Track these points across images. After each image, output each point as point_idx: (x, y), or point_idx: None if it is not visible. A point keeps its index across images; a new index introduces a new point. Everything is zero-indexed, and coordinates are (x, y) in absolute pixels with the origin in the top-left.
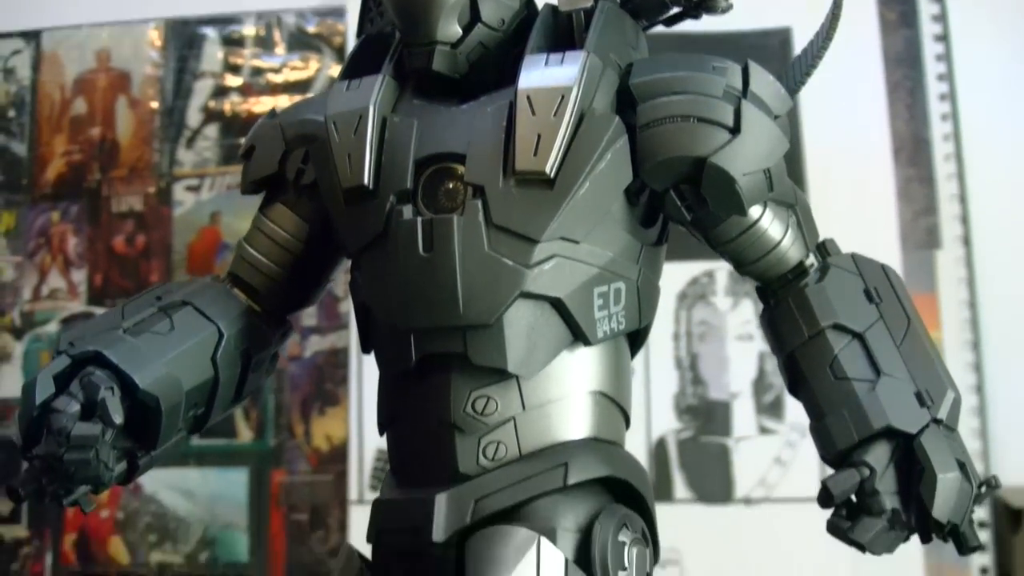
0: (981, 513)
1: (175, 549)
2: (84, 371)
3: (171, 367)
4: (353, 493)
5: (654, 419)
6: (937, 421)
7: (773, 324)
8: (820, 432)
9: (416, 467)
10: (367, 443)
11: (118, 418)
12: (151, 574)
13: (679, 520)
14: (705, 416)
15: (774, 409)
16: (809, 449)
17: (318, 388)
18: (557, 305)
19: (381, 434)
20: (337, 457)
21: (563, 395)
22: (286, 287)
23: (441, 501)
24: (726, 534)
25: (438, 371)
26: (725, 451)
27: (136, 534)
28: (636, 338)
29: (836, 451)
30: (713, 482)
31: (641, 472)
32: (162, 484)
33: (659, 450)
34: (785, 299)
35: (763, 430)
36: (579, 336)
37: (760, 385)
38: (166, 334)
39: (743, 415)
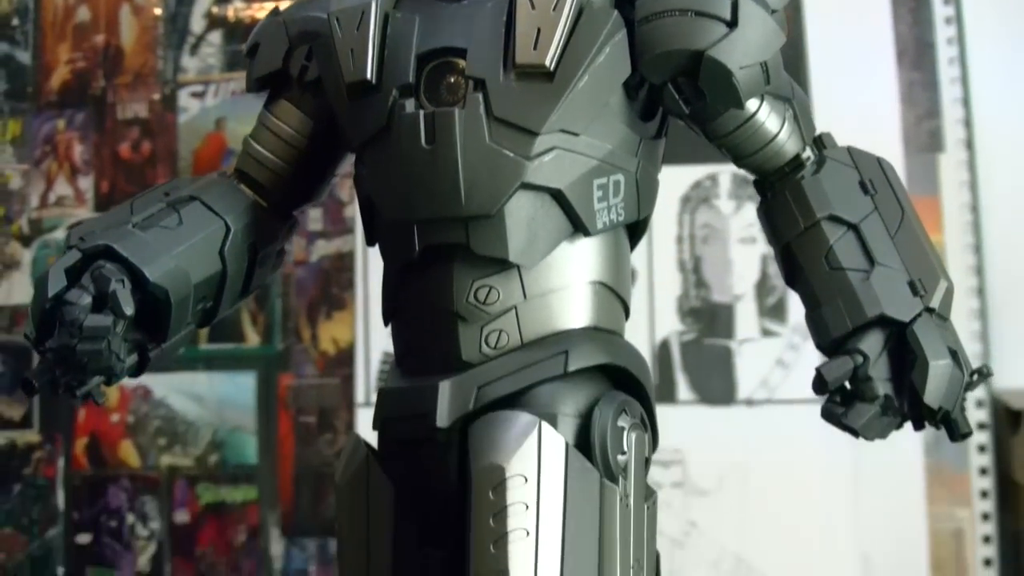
0: (981, 415)
1: (185, 452)
2: (95, 264)
3: (180, 260)
4: (360, 396)
5: (657, 321)
6: (930, 310)
7: (770, 216)
8: (815, 321)
9: (420, 356)
10: (373, 346)
11: (129, 309)
12: (161, 477)
13: (682, 421)
14: (708, 318)
15: (777, 312)
16: (811, 352)
17: (324, 292)
18: (557, 196)
19: (386, 325)
20: (344, 360)
21: (563, 285)
22: (292, 182)
23: (444, 388)
24: (728, 435)
25: (441, 262)
26: (728, 353)
27: (146, 438)
28: (635, 230)
29: (831, 339)
30: (716, 384)
31: (640, 360)
32: (171, 388)
33: (662, 352)
34: (782, 191)
35: (766, 332)
36: (579, 227)
37: (763, 288)
38: (174, 228)
39: (746, 317)
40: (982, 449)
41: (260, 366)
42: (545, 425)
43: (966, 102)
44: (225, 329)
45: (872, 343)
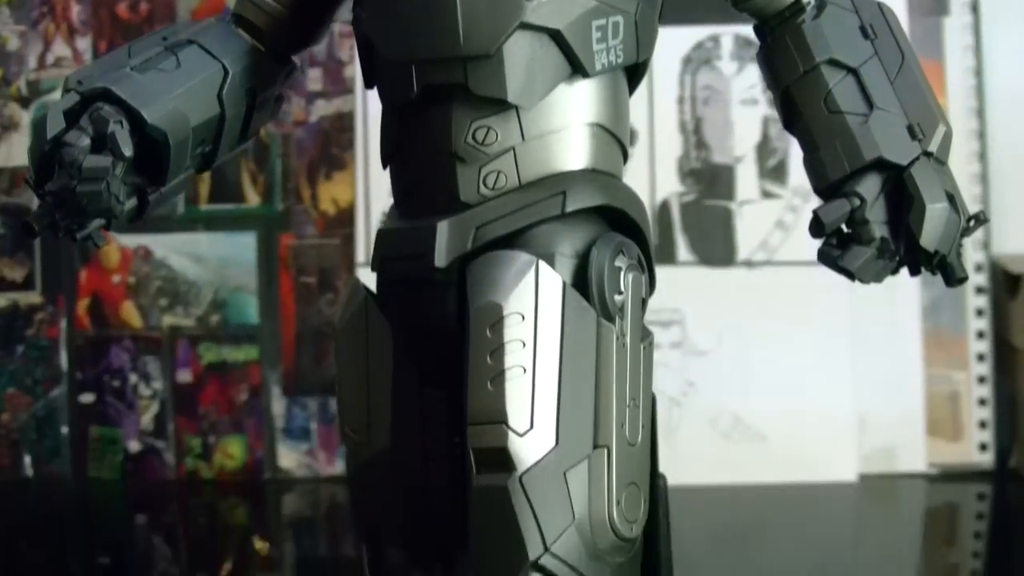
0: (980, 279)
1: (186, 312)
2: (94, 106)
3: (178, 103)
4: (360, 256)
5: (658, 182)
6: (928, 154)
7: (769, 60)
8: (813, 164)
9: (418, 197)
10: (373, 207)
11: (127, 150)
12: (163, 337)
13: (681, 282)
14: (708, 180)
15: (777, 173)
16: (811, 213)
17: (324, 152)
18: (556, 37)
19: (385, 167)
20: (344, 221)
21: (562, 126)
22: (289, 26)
23: (443, 228)
24: (727, 296)
25: (439, 102)
26: (728, 214)
27: (148, 298)
28: (634, 74)
29: (828, 183)
30: (715, 245)
31: (638, 202)
32: (172, 249)
33: (662, 213)
34: (782, 36)
35: (766, 194)
36: (577, 68)
37: (764, 149)
38: (172, 71)
39: (746, 179)
40: (980, 313)
41: (260, 226)
42: (542, 264)
43: None
44: (225, 189)
45: (869, 186)
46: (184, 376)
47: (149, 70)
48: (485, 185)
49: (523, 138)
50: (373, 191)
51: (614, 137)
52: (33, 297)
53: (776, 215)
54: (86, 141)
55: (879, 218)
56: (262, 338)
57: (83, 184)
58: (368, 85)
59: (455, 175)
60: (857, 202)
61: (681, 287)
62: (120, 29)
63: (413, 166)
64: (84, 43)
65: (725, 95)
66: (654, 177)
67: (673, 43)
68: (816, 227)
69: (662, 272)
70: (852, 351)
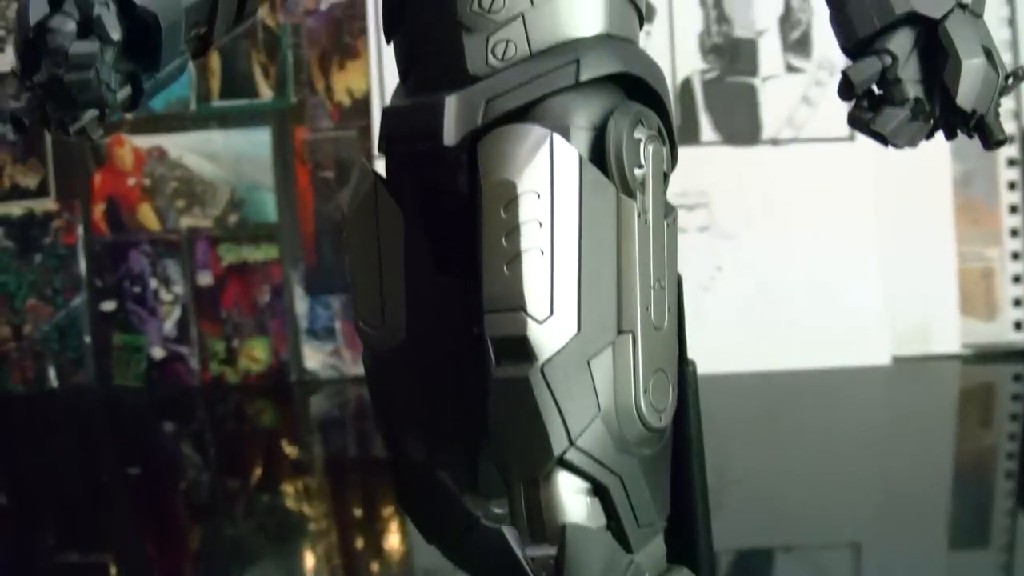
0: (1012, 151)
1: (204, 213)
2: None
3: None
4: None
5: (678, 60)
6: (963, 6)
7: None
8: (841, 20)
9: (423, 71)
10: (389, 96)
11: (115, 34)
12: (182, 239)
13: (706, 162)
14: (730, 55)
15: (801, 46)
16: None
17: (336, 41)
18: None
19: (388, 42)
20: (360, 111)
21: None
22: None
23: (451, 103)
24: (754, 175)
25: None
26: (752, 91)
27: (164, 200)
28: None
29: (857, 39)
30: (740, 123)
31: (656, 69)
32: (186, 148)
33: (684, 92)
34: None
35: (790, 68)
36: None
37: (787, 21)
38: None
39: (770, 53)
40: (1012, 186)
41: (274, 120)
42: (557, 137)
43: None
44: (237, 83)
45: (901, 42)
46: (205, 278)
47: None
48: (494, 55)
49: (532, 2)
50: (388, 79)
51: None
52: (48, 204)
53: (801, 90)
54: (71, 26)
55: (912, 76)
56: (282, 236)
57: (71, 72)
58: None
59: (461, 46)
60: (888, 60)
61: (706, 168)
62: None
63: (417, 38)
64: None
65: None
66: (674, 54)
67: None
68: (845, 88)
69: (686, 152)
70: (881, 228)
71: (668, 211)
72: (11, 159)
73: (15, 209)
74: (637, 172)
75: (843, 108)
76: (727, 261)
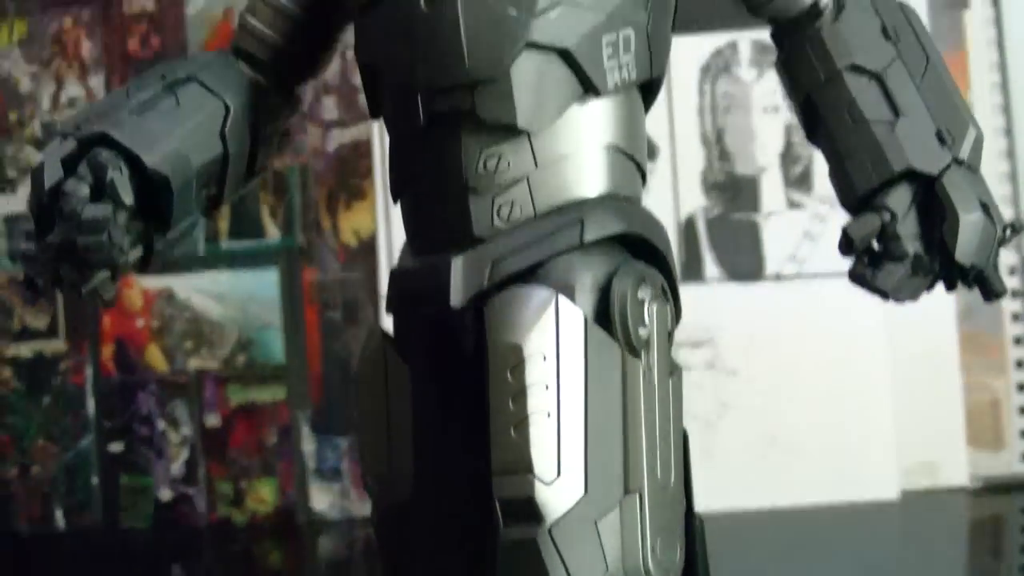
0: (1014, 282)
1: (212, 353)
2: (91, 152)
3: (179, 144)
4: (384, 287)
5: (682, 198)
6: (959, 161)
7: (788, 67)
8: (839, 178)
9: (430, 232)
10: (396, 236)
11: (128, 197)
12: (190, 380)
13: (710, 299)
14: (733, 192)
15: (802, 182)
16: (839, 222)
17: (343, 182)
18: (565, 55)
19: (395, 202)
20: (366, 252)
21: (576, 150)
22: (291, 57)
23: (457, 265)
24: (758, 311)
25: (448, 131)
26: (754, 227)
27: (173, 341)
28: (649, 91)
29: (856, 196)
30: (743, 259)
31: (659, 228)
32: (194, 289)
33: (688, 229)
34: (800, 41)
35: (792, 204)
36: (589, 87)
37: (788, 157)
38: (172, 111)
39: (771, 189)
40: (1016, 318)
41: (282, 261)
42: (562, 299)
43: None
44: (245, 224)
45: (899, 199)
46: (212, 419)
47: (148, 111)
48: (499, 217)
49: (536, 165)
50: (395, 220)
51: (631, 159)
52: (57, 345)
53: (803, 225)
54: (85, 190)
55: (911, 232)
56: (289, 376)
57: (84, 235)
58: (374, 115)
59: (468, 207)
60: (887, 216)
61: (710, 305)
62: (132, 65)
63: (424, 200)
64: (97, 81)
65: (746, 103)
66: (677, 192)
67: (690, 51)
68: (845, 245)
69: (690, 290)
70: (887, 362)
71: (673, 368)
72: (21, 300)
73: (24, 350)
74: (642, 332)
75: None
76: (733, 397)
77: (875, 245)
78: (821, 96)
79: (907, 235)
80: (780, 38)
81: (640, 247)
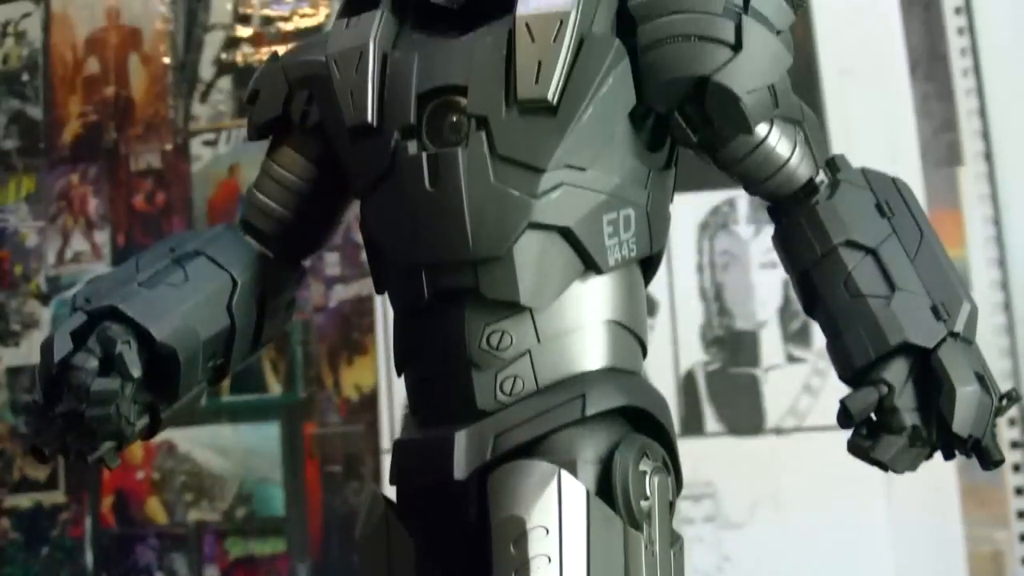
0: (1014, 434)
1: (212, 506)
2: (101, 326)
3: (187, 318)
4: (385, 442)
5: (681, 352)
6: (954, 335)
7: (785, 243)
8: (837, 351)
9: (434, 406)
10: (397, 391)
11: (136, 372)
12: (189, 532)
13: (711, 453)
14: (732, 347)
15: (801, 336)
16: (837, 376)
17: (345, 337)
18: (566, 234)
19: (399, 375)
20: (367, 406)
21: (578, 326)
22: (298, 231)
23: (460, 439)
24: (759, 465)
25: (451, 307)
26: (754, 381)
27: (173, 493)
28: (649, 265)
29: (854, 369)
30: (743, 413)
31: (660, 401)
32: (195, 442)
33: (688, 383)
34: (796, 218)
35: (791, 358)
36: (590, 265)
37: (786, 313)
38: (180, 285)
39: (771, 344)
40: (1017, 468)
41: (283, 415)
42: (564, 473)
43: (983, 113)
44: (247, 379)
45: (897, 372)
46: (211, 572)
47: (157, 285)
48: (502, 391)
49: (538, 340)
50: (395, 376)
51: (631, 333)
52: (57, 496)
53: (803, 379)
54: (94, 363)
55: (909, 405)
56: (289, 530)
57: (92, 408)
58: (378, 290)
59: (471, 382)
60: (885, 390)
61: (711, 459)
62: (138, 221)
63: (427, 373)
64: (103, 236)
65: (744, 259)
66: (677, 347)
67: (689, 209)
68: (844, 418)
69: (690, 444)
70: (889, 515)
71: (674, 539)
72: (21, 451)
73: (24, 501)
74: (643, 504)
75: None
76: (734, 551)
77: (873, 417)
78: (818, 272)
79: (905, 408)
80: (777, 214)
81: (641, 419)
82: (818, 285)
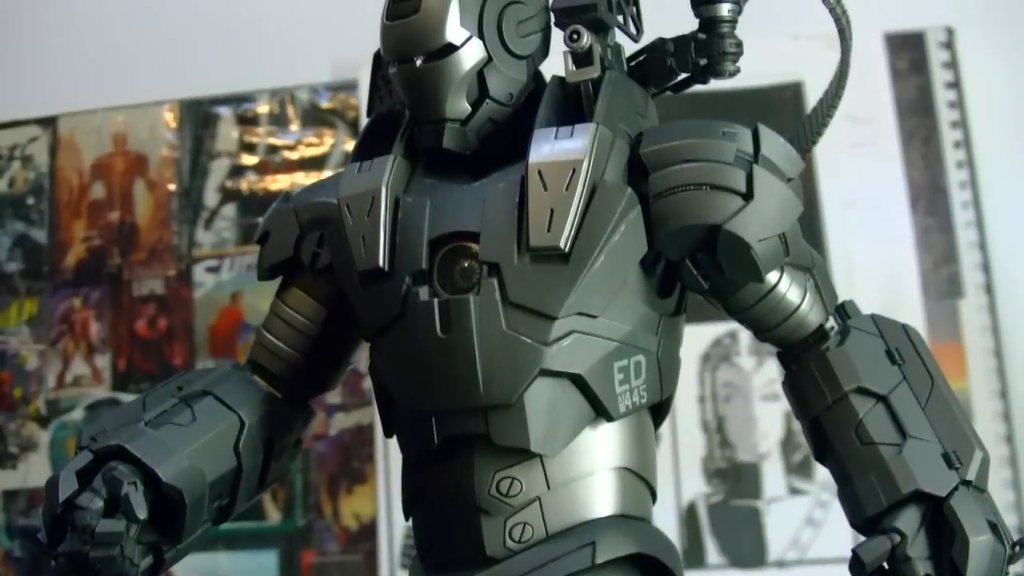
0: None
1: None
2: (107, 466)
3: (193, 459)
4: (384, 572)
5: (683, 484)
6: (966, 483)
7: (796, 390)
8: (848, 498)
9: (443, 551)
10: (396, 521)
11: (142, 513)
12: None
13: None
14: (734, 479)
15: (804, 469)
16: (841, 509)
17: (345, 466)
18: (577, 381)
19: (407, 518)
20: (367, 535)
21: (588, 472)
22: (307, 372)
23: None
24: None
25: (461, 453)
26: (756, 514)
27: None
28: (659, 410)
29: (865, 517)
30: (746, 546)
31: (670, 548)
32: (192, 570)
33: (690, 516)
34: (807, 364)
35: (793, 491)
36: (601, 412)
37: (788, 445)
38: (188, 425)
39: (773, 476)
40: None
41: (282, 543)
42: None
43: (983, 246)
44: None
45: (909, 520)
46: None
47: (164, 424)
48: (511, 538)
49: (548, 487)
50: (395, 505)
51: (641, 479)
52: None
53: (805, 512)
54: (99, 504)
55: (921, 554)
56: None
57: (96, 549)
58: (387, 434)
59: (480, 528)
60: (897, 539)
61: None
62: (139, 346)
63: (436, 518)
64: (103, 360)
65: (746, 391)
66: (679, 479)
67: (691, 341)
68: (857, 567)
69: None
70: None
71: None
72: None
73: None
74: None
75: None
76: None
77: (886, 566)
78: (828, 418)
79: (917, 556)
80: (787, 361)
81: (651, 566)
82: (829, 432)
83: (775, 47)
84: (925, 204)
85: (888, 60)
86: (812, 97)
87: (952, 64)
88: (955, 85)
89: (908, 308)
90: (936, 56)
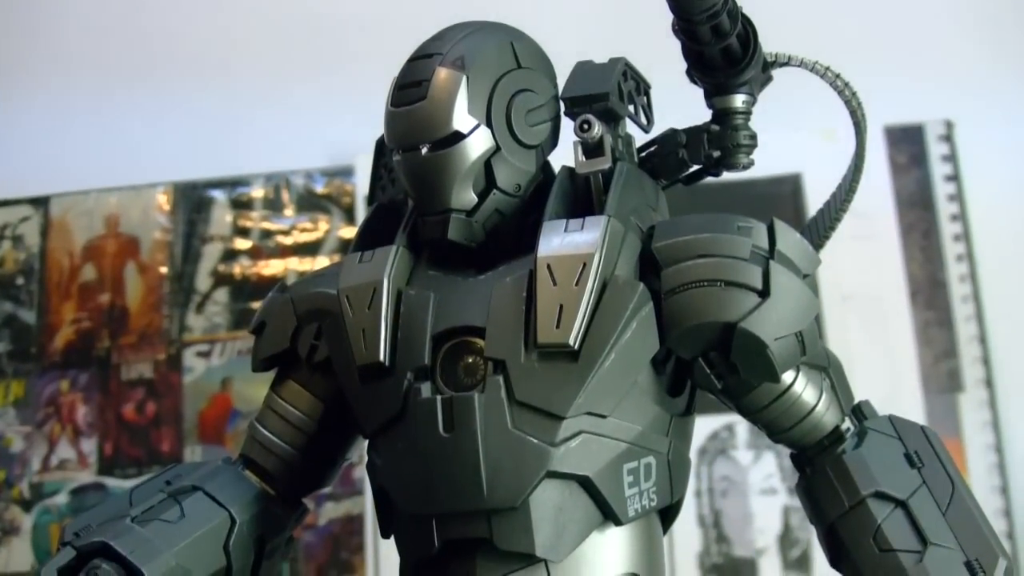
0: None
1: None
2: (91, 564)
3: (181, 558)
4: None
5: None
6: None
7: (811, 494)
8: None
9: None
10: None
11: None
12: None
13: None
14: (731, 574)
15: (801, 564)
16: None
17: (334, 557)
18: (585, 484)
19: None
20: None
21: None
22: (301, 469)
23: None
24: None
25: (462, 557)
26: None
27: None
28: (668, 513)
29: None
30: None
31: None
32: None
33: None
34: (822, 467)
35: None
36: (609, 515)
37: (786, 540)
38: (176, 522)
39: (770, 572)
40: None
41: None
42: None
43: (983, 339)
44: None
45: None
46: None
47: (151, 520)
48: None
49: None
50: None
51: None
52: None
53: None
54: None
55: None
56: None
57: None
58: (384, 535)
59: None
60: None
61: None
62: (127, 431)
63: None
64: (90, 445)
65: (743, 486)
66: (675, 574)
67: None
68: None
69: None
70: None
71: None
72: None
73: None
74: None
75: None
76: None
77: None
78: (845, 524)
79: None
80: (801, 462)
81: None
82: (846, 538)
83: (774, 139)
84: (925, 297)
85: (887, 153)
86: (811, 190)
87: (952, 157)
88: (955, 178)
89: (908, 403)
90: (935, 149)
